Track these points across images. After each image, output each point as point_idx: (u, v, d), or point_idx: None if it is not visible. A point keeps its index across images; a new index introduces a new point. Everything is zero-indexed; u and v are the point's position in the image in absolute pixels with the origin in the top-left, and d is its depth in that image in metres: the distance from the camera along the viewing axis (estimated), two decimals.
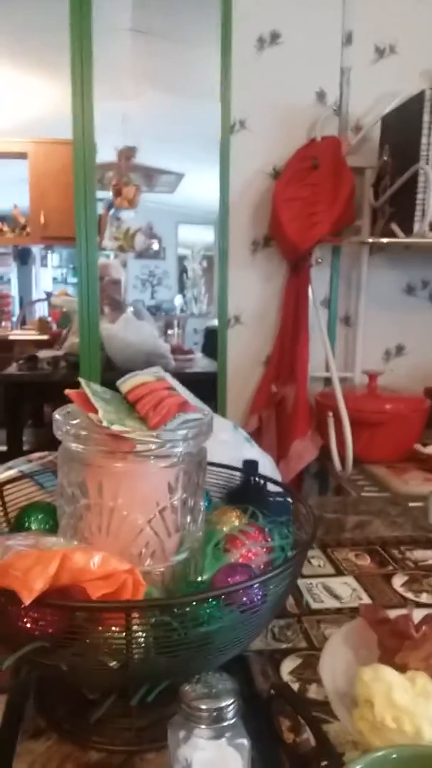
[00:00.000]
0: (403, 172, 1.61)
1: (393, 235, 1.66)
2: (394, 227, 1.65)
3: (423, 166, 1.53)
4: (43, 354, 3.02)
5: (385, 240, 1.68)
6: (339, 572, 0.93)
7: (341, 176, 1.76)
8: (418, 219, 1.55)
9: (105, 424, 0.57)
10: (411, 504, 1.29)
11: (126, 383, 0.66)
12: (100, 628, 0.52)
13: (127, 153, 4.30)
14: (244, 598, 0.55)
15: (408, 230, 1.59)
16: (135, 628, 0.50)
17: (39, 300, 5.85)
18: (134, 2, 2.63)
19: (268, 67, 1.87)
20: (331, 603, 0.84)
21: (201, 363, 3.25)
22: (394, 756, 0.43)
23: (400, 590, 0.88)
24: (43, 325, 4.46)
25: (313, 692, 0.67)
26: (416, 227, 1.56)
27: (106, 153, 4.11)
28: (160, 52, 3.17)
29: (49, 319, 4.66)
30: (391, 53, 1.91)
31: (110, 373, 2.32)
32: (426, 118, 1.54)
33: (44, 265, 6.67)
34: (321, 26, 1.87)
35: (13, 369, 2.96)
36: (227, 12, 1.84)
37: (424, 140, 1.54)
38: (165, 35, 2.91)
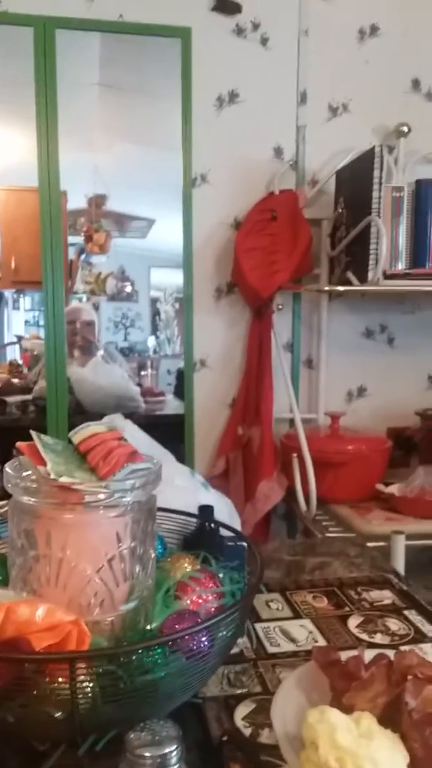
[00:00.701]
0: (356, 223, 1.69)
1: (349, 282, 1.73)
2: (350, 275, 1.73)
3: (374, 219, 1.61)
4: (12, 399, 3.00)
5: (341, 288, 1.75)
6: (296, 615, 0.94)
7: (299, 227, 1.84)
8: (372, 268, 1.62)
9: (53, 476, 0.59)
10: (375, 543, 1.31)
11: (77, 434, 0.68)
12: (47, 679, 0.53)
13: (98, 201, 4.39)
14: (191, 645, 0.57)
15: (363, 278, 1.66)
16: (81, 678, 0.51)
17: (10, 343, 5.83)
18: (101, 59, 2.74)
19: (227, 124, 1.96)
20: (287, 646, 0.85)
21: (172, 405, 3.26)
22: None
23: (355, 631, 0.89)
24: (13, 369, 4.45)
25: (265, 737, 0.68)
26: (370, 275, 1.63)
27: (77, 200, 4.20)
28: (127, 106, 3.28)
29: (20, 362, 4.65)
30: (344, 111, 2.02)
31: (80, 416, 2.32)
32: (376, 173, 1.63)
33: (16, 308, 6.67)
34: (277, 86, 1.98)
35: None
36: (187, 72, 1.94)
37: (375, 194, 1.63)
38: (131, 89, 3.02)
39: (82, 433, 0.68)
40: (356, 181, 1.76)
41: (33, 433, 0.65)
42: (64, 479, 0.59)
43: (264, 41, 1.96)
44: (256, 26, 1.96)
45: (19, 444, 0.64)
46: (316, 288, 1.86)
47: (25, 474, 0.62)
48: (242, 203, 1.95)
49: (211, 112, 1.96)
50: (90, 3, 1.90)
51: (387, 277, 1.66)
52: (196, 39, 1.92)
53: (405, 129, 1.96)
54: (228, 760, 0.64)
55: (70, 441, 0.70)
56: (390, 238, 1.66)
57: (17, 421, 2.82)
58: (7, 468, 0.63)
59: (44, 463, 0.61)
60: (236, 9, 1.93)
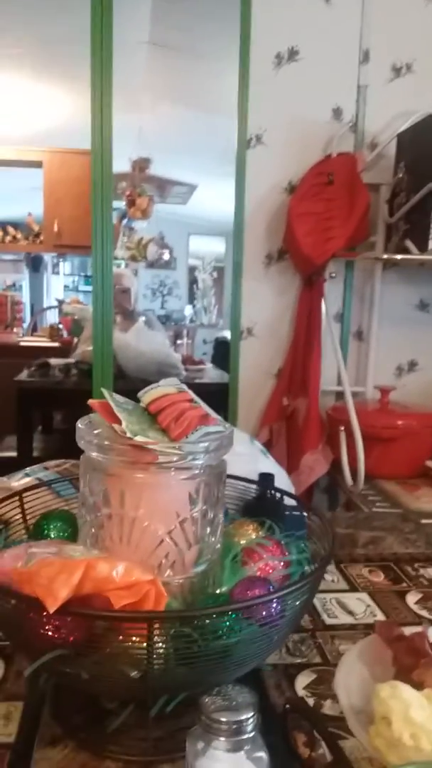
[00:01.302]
0: (418, 189, 1.62)
1: (407, 251, 1.67)
2: (409, 244, 1.66)
3: None
4: (55, 361, 3.03)
5: (399, 256, 1.69)
6: (353, 588, 0.93)
7: (356, 192, 1.77)
8: None
9: (129, 435, 0.57)
10: (424, 521, 1.28)
11: (147, 394, 0.67)
12: (121, 637, 0.52)
13: (142, 164, 4.34)
14: (263, 612, 0.55)
15: (422, 247, 1.60)
16: (156, 638, 0.51)
17: (50, 307, 5.89)
18: (152, 16, 2.67)
19: (285, 83, 1.89)
20: (345, 619, 0.84)
21: (211, 374, 3.25)
22: None
23: (414, 608, 0.88)
24: (53, 333, 4.50)
25: (328, 708, 0.67)
26: (431, 244, 1.56)
27: (120, 163, 4.15)
28: (176, 66, 3.20)
29: (60, 326, 4.70)
30: (408, 72, 1.93)
31: (121, 381, 2.33)
32: None
33: (56, 272, 6.72)
34: (339, 44, 1.89)
35: (24, 375, 2.98)
36: (246, 28, 1.86)
37: None
38: (182, 49, 2.94)
39: (152, 393, 0.66)
40: (419, 145, 1.68)
41: (105, 391, 0.64)
42: (139, 438, 0.57)
43: None
44: None
45: (91, 401, 0.63)
46: (373, 256, 1.80)
47: (96, 431, 0.61)
48: (297, 166, 1.88)
49: (268, 71, 1.88)
50: None
51: None
52: None
53: None
54: (292, 729, 0.63)
55: (135, 400, 0.68)
56: None
57: (60, 384, 2.86)
58: (80, 424, 0.62)
59: (118, 422, 0.59)
60: None
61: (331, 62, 1.89)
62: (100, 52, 1.88)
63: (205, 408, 0.71)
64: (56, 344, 4.17)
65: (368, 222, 1.82)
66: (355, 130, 1.91)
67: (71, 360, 3.03)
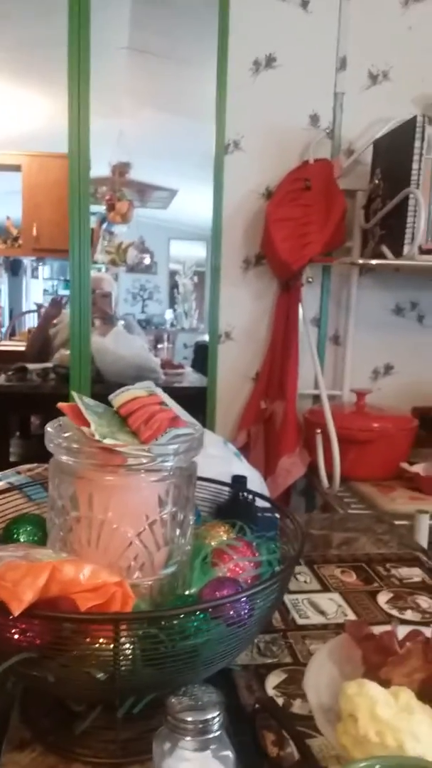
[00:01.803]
0: (393, 195, 1.64)
1: (383, 256, 1.69)
2: (384, 249, 1.68)
3: (413, 191, 1.56)
4: (33, 365, 3.01)
5: (374, 262, 1.71)
6: (325, 588, 0.93)
7: (333, 198, 1.79)
8: (408, 242, 1.58)
9: (97, 437, 0.58)
10: (397, 522, 1.30)
11: (118, 397, 0.67)
12: (88, 639, 0.52)
13: (122, 168, 4.34)
14: (231, 612, 0.56)
15: (398, 253, 1.62)
16: (123, 639, 0.51)
17: (29, 311, 5.85)
18: (132, 21, 2.67)
19: (263, 89, 1.91)
20: (316, 619, 0.85)
21: (190, 378, 3.26)
22: (377, 767, 0.43)
23: (385, 607, 0.89)
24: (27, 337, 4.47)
25: (297, 707, 0.68)
26: (406, 250, 1.59)
27: (100, 168, 4.15)
28: (156, 71, 3.21)
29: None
30: (384, 79, 1.95)
31: (99, 385, 2.32)
32: (417, 143, 1.58)
33: (35, 276, 6.68)
34: (316, 51, 1.91)
35: (1, 380, 2.95)
36: (224, 35, 1.88)
37: (414, 165, 1.58)
38: (162, 54, 2.95)
39: (123, 396, 0.67)
40: (395, 152, 1.71)
41: (74, 394, 0.64)
42: (108, 441, 0.58)
43: (304, 4, 1.89)
44: None
45: (61, 404, 0.63)
46: (349, 261, 1.82)
47: (66, 434, 0.61)
48: (275, 172, 1.90)
49: (246, 77, 1.90)
50: None
51: (423, 252, 1.62)
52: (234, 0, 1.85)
53: None
54: (261, 729, 0.63)
55: (108, 404, 0.69)
56: (428, 211, 1.61)
57: (38, 388, 2.84)
58: (49, 428, 0.62)
59: (87, 424, 0.60)
60: None
61: (308, 69, 1.92)
62: (77, 56, 1.88)
63: (177, 410, 0.71)
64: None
65: (345, 227, 1.84)
66: (332, 137, 1.93)
67: (49, 364, 3.01)
